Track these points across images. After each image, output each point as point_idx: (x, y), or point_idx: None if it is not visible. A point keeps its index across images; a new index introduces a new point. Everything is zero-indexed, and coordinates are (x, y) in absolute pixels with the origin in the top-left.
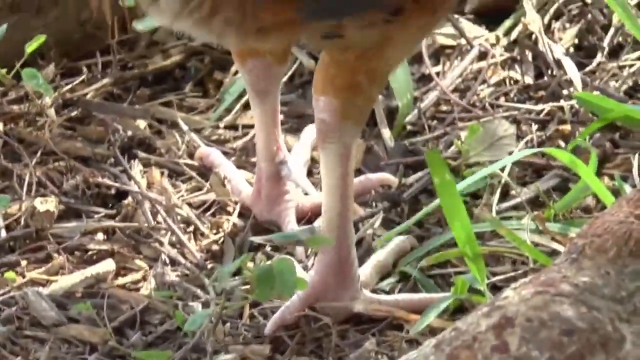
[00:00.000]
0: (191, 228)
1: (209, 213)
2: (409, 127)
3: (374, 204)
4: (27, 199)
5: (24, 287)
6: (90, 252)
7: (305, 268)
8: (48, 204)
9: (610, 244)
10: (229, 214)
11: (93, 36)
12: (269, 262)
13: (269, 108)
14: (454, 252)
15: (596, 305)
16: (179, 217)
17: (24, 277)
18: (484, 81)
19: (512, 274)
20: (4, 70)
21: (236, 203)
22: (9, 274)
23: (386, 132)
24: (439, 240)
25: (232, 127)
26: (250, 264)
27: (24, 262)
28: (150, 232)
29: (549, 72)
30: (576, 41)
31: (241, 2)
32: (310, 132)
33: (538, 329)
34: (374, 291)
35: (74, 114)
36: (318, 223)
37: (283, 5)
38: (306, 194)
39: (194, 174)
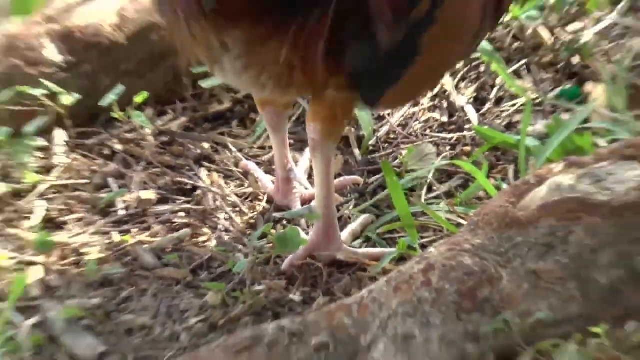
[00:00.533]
0: (237, 209)
1: (247, 200)
2: (370, 148)
3: (348, 195)
4: (135, 191)
5: (135, 246)
6: (175, 224)
7: (307, 233)
8: (149, 194)
9: (494, 219)
10: (260, 200)
11: (175, 91)
12: (283, 230)
13: (280, 137)
14: (398, 224)
15: (485, 257)
16: (229, 202)
17: (134, 238)
18: (417, 119)
19: (434, 238)
20: (121, 113)
21: (264, 194)
22: (126, 237)
23: (356, 151)
24: (389, 217)
25: (262, 147)
26: (273, 231)
27: (134, 230)
28: (212, 211)
29: (457, 114)
30: (475, 95)
31: (312, 81)
32: (308, 151)
33: (449, 271)
34: (349, 247)
35: (164, 139)
36: (313, 205)
37: (343, 89)
38: (306, 188)
39: (239, 176)
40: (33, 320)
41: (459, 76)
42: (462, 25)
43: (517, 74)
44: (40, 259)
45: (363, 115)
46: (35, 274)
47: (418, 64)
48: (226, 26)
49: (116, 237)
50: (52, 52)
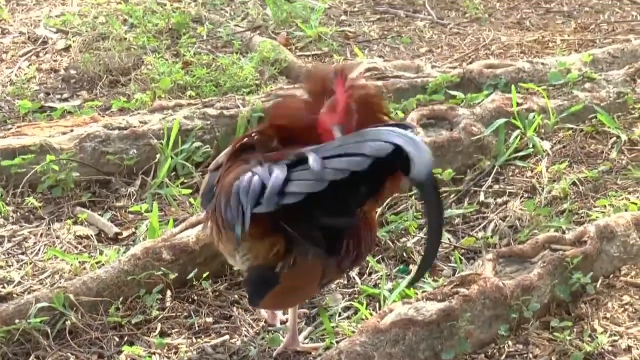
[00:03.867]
0: (251, 326)
1: (256, 321)
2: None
3: (302, 318)
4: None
5: (203, 344)
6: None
7: (283, 337)
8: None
9: (370, 329)
10: (262, 321)
11: (222, 271)
12: (272, 335)
13: None
14: (325, 331)
15: (366, 346)
16: (248, 323)
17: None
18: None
19: (341, 338)
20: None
21: (264, 319)
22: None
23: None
24: (320, 328)
25: None
26: (267, 336)
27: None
28: (242, 325)
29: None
30: None
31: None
32: None
33: (350, 353)
34: (303, 344)
35: (217, 294)
36: (287, 324)
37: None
38: (283, 316)
39: (254, 311)
40: None
41: None
42: (298, 288)
43: None
44: None
45: None
46: None
47: (278, 291)
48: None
49: None
50: (166, 255)
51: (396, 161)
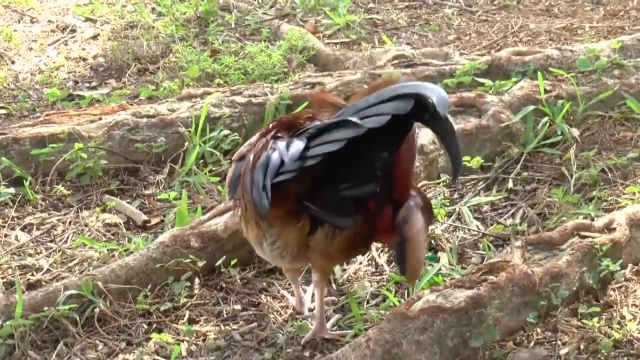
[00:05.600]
0: (279, 313)
1: (285, 308)
2: (340, 282)
3: (330, 308)
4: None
5: (231, 331)
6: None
7: (312, 324)
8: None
9: (398, 316)
10: (290, 308)
11: (250, 258)
12: (301, 323)
13: (297, 284)
14: (354, 318)
15: (394, 333)
16: (276, 310)
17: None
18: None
19: (369, 325)
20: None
21: (292, 306)
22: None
23: (333, 285)
24: (349, 316)
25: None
26: (296, 323)
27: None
28: (270, 313)
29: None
30: None
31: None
32: (311, 288)
33: (378, 340)
34: (330, 331)
35: (245, 281)
36: (315, 312)
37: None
38: (310, 304)
39: (280, 298)
40: None
41: None
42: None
43: None
44: None
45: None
46: None
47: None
48: (268, 225)
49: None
50: (194, 243)
51: (416, 111)
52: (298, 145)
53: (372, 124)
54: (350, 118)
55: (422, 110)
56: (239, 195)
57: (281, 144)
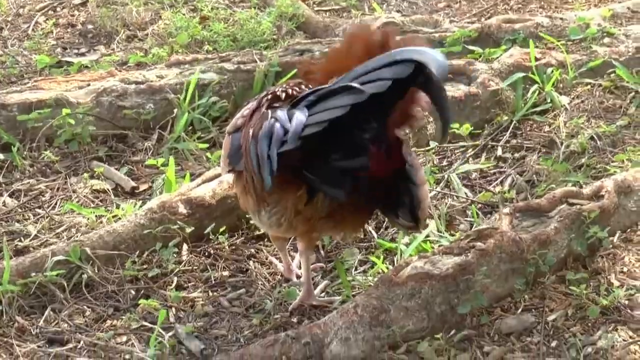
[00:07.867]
0: (268, 280)
1: (272, 275)
2: (328, 249)
3: (318, 272)
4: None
5: (219, 297)
6: (241, 286)
7: (299, 291)
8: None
9: (386, 282)
10: (278, 275)
11: (239, 226)
12: (288, 289)
13: (284, 252)
14: (341, 285)
15: (382, 299)
16: (265, 277)
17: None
18: None
19: (358, 291)
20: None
21: (280, 273)
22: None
23: (322, 252)
24: (337, 282)
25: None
26: (284, 289)
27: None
28: (258, 279)
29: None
30: None
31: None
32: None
33: (366, 306)
34: (319, 297)
35: (234, 248)
36: (302, 279)
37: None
38: (298, 271)
39: (269, 264)
40: (170, 333)
41: None
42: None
43: None
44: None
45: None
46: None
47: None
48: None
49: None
50: (182, 209)
51: (413, 76)
52: (300, 113)
53: (373, 89)
54: (351, 83)
55: (420, 75)
56: (241, 167)
57: (281, 113)
